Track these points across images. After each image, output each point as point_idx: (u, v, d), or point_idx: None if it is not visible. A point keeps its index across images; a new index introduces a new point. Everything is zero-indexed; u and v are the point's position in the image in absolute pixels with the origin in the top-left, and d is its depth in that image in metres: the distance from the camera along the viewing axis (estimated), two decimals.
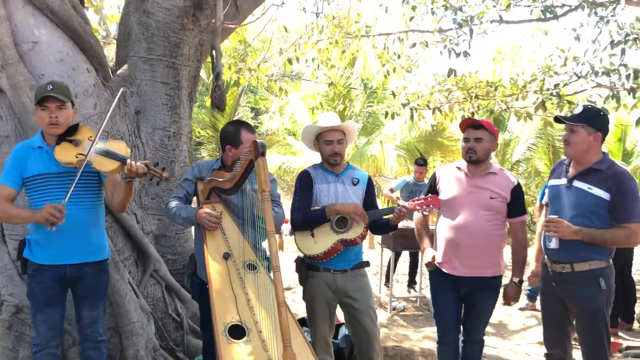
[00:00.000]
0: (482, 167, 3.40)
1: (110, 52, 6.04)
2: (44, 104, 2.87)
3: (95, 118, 3.70)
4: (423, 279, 7.07)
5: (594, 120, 3.03)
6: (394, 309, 6.51)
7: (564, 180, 3.15)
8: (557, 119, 3.21)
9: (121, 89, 3.07)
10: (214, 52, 4.31)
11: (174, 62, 4.23)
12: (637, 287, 6.23)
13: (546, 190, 3.37)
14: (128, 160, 2.84)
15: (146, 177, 2.92)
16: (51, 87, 2.87)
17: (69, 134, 2.95)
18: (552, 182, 3.27)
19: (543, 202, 3.48)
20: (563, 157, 3.29)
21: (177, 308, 4.23)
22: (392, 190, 7.52)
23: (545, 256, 3.24)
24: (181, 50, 4.24)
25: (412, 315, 6.41)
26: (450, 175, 3.51)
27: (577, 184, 3.07)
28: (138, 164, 2.83)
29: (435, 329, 5.59)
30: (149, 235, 4.20)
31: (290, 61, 8.42)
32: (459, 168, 3.49)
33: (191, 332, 4.23)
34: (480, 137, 3.33)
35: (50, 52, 3.49)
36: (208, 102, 8.39)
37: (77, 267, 2.99)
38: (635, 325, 5.97)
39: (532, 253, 3.62)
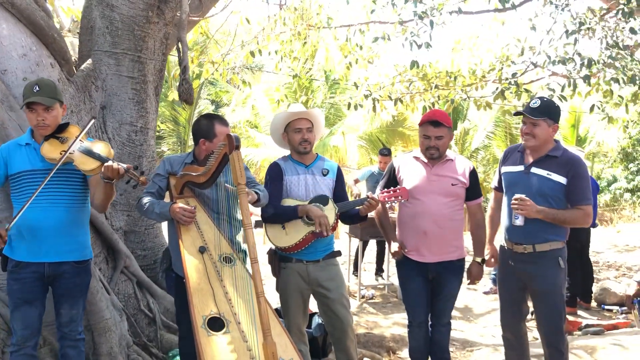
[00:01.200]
0: (441, 156, 3.51)
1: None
2: (31, 106, 2.84)
3: (81, 126, 3.64)
4: (390, 266, 7.20)
5: (552, 113, 3.23)
6: (363, 297, 6.62)
7: (520, 167, 3.33)
8: (519, 114, 3.34)
9: (92, 120, 3.03)
10: (180, 45, 4.28)
11: (140, 56, 4.19)
12: (594, 268, 6.51)
13: (501, 177, 3.51)
14: (108, 162, 2.82)
15: (123, 179, 2.90)
16: (37, 88, 2.84)
17: (58, 131, 2.95)
18: (508, 168, 3.43)
19: (492, 186, 3.66)
20: (517, 143, 3.48)
21: (149, 304, 4.22)
22: (357, 181, 7.60)
23: (506, 238, 3.40)
24: (146, 43, 4.21)
25: (380, 302, 6.53)
26: (409, 165, 3.58)
27: (535, 170, 3.26)
28: (116, 165, 2.81)
29: (404, 315, 5.74)
30: (118, 232, 4.17)
31: (252, 53, 8.39)
32: (416, 158, 3.57)
33: (164, 327, 4.22)
34: (440, 135, 3.42)
35: (12, 47, 3.42)
36: (171, 95, 8.33)
37: (57, 265, 2.96)
38: (593, 304, 6.24)
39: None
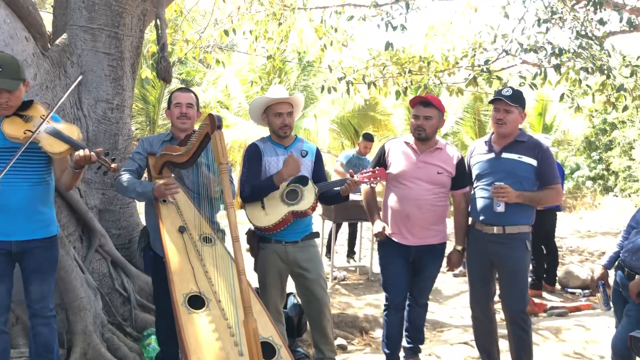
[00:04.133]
0: (430, 143, 3.57)
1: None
2: None
3: (35, 89, 3.56)
4: (362, 249, 7.29)
5: (521, 101, 3.44)
6: (335, 278, 6.70)
7: (491, 154, 3.49)
8: (495, 101, 3.45)
9: (80, 76, 2.92)
10: (158, 22, 4.21)
11: (117, 32, 4.11)
12: (558, 252, 6.72)
13: (471, 169, 3.63)
14: (79, 150, 2.76)
15: (94, 165, 2.85)
16: (0, 68, 2.70)
17: (21, 109, 2.85)
18: (477, 158, 3.57)
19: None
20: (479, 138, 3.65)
21: (123, 283, 4.19)
22: (342, 164, 7.53)
23: (477, 220, 3.53)
24: (124, 19, 4.12)
25: (352, 284, 6.63)
26: (399, 149, 3.64)
27: (506, 155, 3.44)
28: (87, 152, 2.75)
29: (375, 296, 5.87)
30: (93, 210, 4.12)
31: (227, 32, 8.29)
32: (407, 143, 3.63)
33: (139, 307, 4.21)
34: (429, 115, 3.48)
35: None
36: (143, 73, 8.18)
37: (24, 243, 2.90)
38: (557, 287, 6.46)
39: None
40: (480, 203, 3.50)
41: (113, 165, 2.83)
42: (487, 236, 3.47)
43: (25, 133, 2.76)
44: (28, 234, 2.91)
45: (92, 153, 2.77)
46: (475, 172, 3.58)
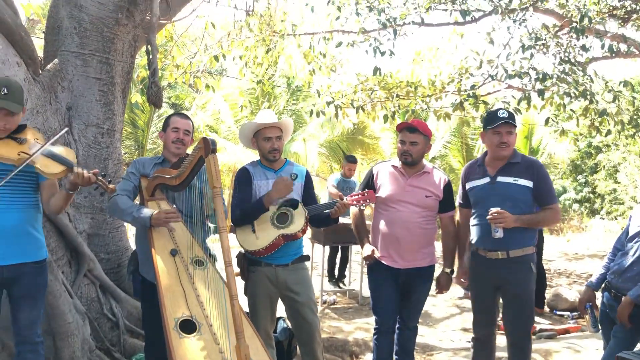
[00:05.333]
0: (417, 167, 3.62)
1: None
2: None
3: (26, 114, 3.56)
4: (351, 272, 7.28)
5: (516, 122, 3.41)
6: (325, 302, 6.68)
7: (486, 179, 3.46)
8: (498, 124, 3.38)
9: (65, 129, 2.95)
10: (149, 48, 4.26)
11: (108, 57, 4.15)
12: (546, 275, 6.76)
13: (467, 193, 3.62)
14: (75, 167, 2.78)
15: (91, 186, 2.86)
16: (6, 91, 2.75)
17: (13, 132, 2.87)
18: (473, 183, 3.55)
19: (457, 203, 3.76)
20: (473, 159, 3.65)
21: (112, 308, 4.17)
22: (334, 186, 7.55)
23: (479, 247, 3.49)
24: (115, 45, 4.17)
25: (342, 307, 6.60)
26: (387, 173, 3.68)
27: (501, 179, 3.40)
28: (86, 173, 2.78)
29: (365, 320, 5.85)
30: (82, 234, 4.11)
31: (216, 58, 8.37)
32: (394, 167, 3.67)
33: (127, 332, 4.18)
34: (415, 140, 3.53)
35: None
36: (133, 98, 8.21)
37: (15, 267, 2.88)
38: (546, 309, 6.48)
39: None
40: (479, 230, 3.48)
41: (110, 186, 2.86)
42: (490, 261, 3.43)
43: (19, 155, 2.78)
44: (19, 258, 2.89)
45: (91, 174, 2.79)
46: (472, 198, 3.57)
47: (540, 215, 3.42)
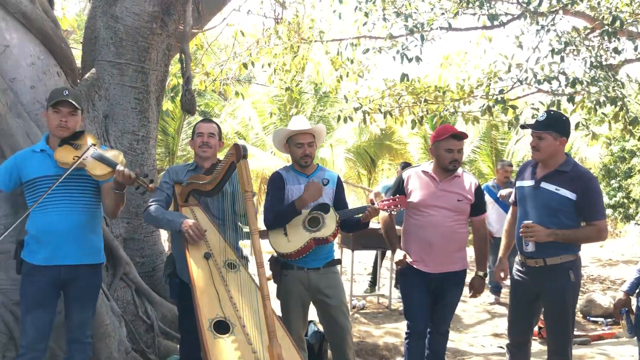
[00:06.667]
0: (449, 172, 3.61)
1: None
2: (57, 107, 2.96)
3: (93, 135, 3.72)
4: (380, 277, 7.29)
5: (558, 126, 3.25)
6: (354, 307, 6.70)
7: (531, 182, 3.38)
8: (523, 126, 3.43)
9: (91, 145, 3.10)
10: (183, 56, 4.37)
11: (143, 66, 4.27)
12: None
13: (516, 191, 3.55)
14: (118, 166, 2.92)
15: (133, 185, 2.98)
16: (67, 92, 2.98)
17: (72, 138, 3.04)
18: (520, 183, 3.50)
19: (510, 201, 3.71)
20: (529, 159, 3.51)
21: (147, 310, 4.26)
22: (377, 194, 7.53)
23: (519, 252, 3.44)
24: (149, 54, 4.29)
25: (372, 312, 6.62)
26: (418, 178, 3.68)
27: (544, 185, 3.29)
28: (127, 171, 2.91)
29: (395, 324, 5.86)
30: (118, 239, 4.22)
31: (245, 65, 8.51)
32: (425, 172, 3.67)
33: (162, 334, 4.27)
34: (461, 147, 3.54)
35: (21, 56, 3.50)
36: (164, 105, 8.37)
37: (72, 268, 3.02)
38: (579, 315, 6.39)
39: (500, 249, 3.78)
40: (517, 235, 3.40)
41: (151, 185, 2.97)
42: (529, 268, 3.36)
43: (73, 159, 2.94)
44: (77, 259, 3.04)
45: (132, 172, 2.91)
46: (517, 197, 3.51)
47: (579, 232, 3.26)
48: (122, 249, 4.20)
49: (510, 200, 3.72)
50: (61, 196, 2.94)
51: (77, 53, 5.38)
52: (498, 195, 6.66)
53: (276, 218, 3.48)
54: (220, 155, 3.36)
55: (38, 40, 3.61)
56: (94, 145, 3.06)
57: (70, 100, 2.96)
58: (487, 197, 6.81)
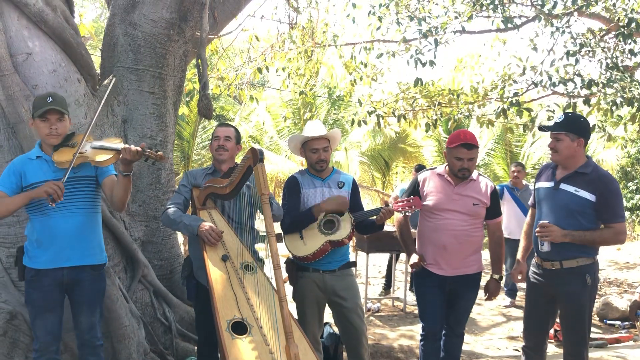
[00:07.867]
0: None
1: None
2: (45, 115, 2.97)
3: (86, 127, 3.77)
4: (395, 280, 7.30)
5: (576, 127, 3.23)
6: (369, 309, 6.72)
7: (551, 183, 3.36)
8: (541, 128, 3.39)
9: (112, 80, 3.08)
10: (199, 62, 4.44)
11: (160, 72, 4.35)
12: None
13: (535, 193, 3.54)
14: (123, 146, 2.91)
15: (142, 158, 2.96)
16: (51, 99, 2.97)
17: (65, 140, 3.06)
18: (540, 184, 3.49)
19: (530, 203, 3.69)
20: (549, 161, 3.49)
21: (165, 312, 4.33)
22: (396, 198, 7.53)
23: (536, 254, 3.44)
24: (167, 60, 4.37)
25: (387, 315, 6.63)
26: (433, 181, 3.69)
27: (564, 186, 3.27)
28: (133, 146, 2.90)
29: (410, 327, 5.87)
30: (136, 242, 4.29)
31: (260, 70, 8.58)
32: (440, 175, 3.68)
33: (179, 336, 4.33)
34: (472, 157, 3.52)
35: (43, 63, 3.58)
36: (180, 110, 8.47)
37: (75, 270, 3.06)
38: (595, 318, 6.34)
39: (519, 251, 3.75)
40: (534, 236, 3.39)
41: (159, 153, 2.97)
42: (545, 270, 3.35)
43: (73, 156, 2.96)
44: (79, 260, 3.06)
45: (139, 148, 2.91)
46: (536, 198, 3.50)
47: (596, 234, 3.20)
48: (141, 252, 4.28)
49: (530, 202, 3.72)
50: (63, 198, 2.90)
51: (94, 59, 5.48)
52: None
53: (292, 223, 3.53)
54: (239, 159, 3.42)
55: (59, 48, 3.70)
56: (87, 140, 3.04)
57: (56, 108, 2.96)
58: (506, 195, 6.84)
